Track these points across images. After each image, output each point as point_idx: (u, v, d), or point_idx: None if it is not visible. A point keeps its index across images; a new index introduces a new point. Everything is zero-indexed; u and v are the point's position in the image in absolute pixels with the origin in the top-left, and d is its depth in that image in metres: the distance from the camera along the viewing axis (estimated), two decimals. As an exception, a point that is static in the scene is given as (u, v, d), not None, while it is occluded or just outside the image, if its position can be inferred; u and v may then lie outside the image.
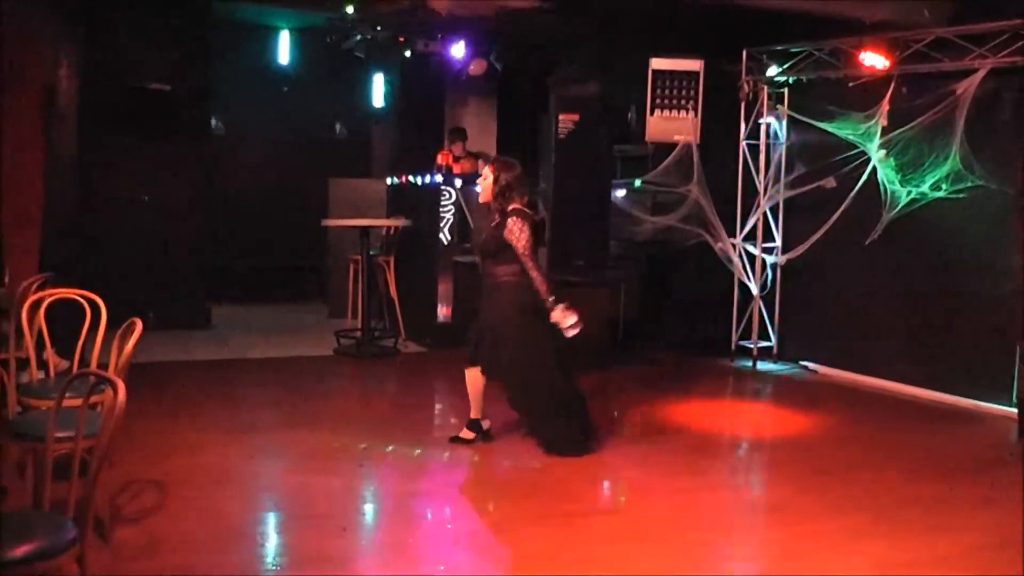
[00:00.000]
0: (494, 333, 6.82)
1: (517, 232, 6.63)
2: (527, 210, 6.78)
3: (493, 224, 6.83)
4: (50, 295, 5.50)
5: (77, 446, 3.61)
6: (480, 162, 11.53)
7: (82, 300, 5.40)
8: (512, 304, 6.76)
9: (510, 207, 6.72)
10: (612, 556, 5.18)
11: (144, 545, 5.04)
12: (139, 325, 4.73)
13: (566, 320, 6.63)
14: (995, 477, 6.77)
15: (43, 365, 5.74)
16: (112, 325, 5.10)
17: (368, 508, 6.08)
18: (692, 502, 6.10)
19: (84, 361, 5.56)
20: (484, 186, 6.87)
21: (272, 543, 5.33)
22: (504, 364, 6.80)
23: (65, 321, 5.71)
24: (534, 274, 6.66)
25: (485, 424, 7.12)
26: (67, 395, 3.81)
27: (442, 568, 5.09)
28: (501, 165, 6.83)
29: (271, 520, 5.72)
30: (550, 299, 6.64)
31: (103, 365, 4.87)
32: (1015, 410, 7.93)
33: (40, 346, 5.63)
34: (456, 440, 7.06)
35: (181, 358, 9.90)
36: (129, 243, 11.01)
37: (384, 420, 8.16)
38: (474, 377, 6.97)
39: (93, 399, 3.97)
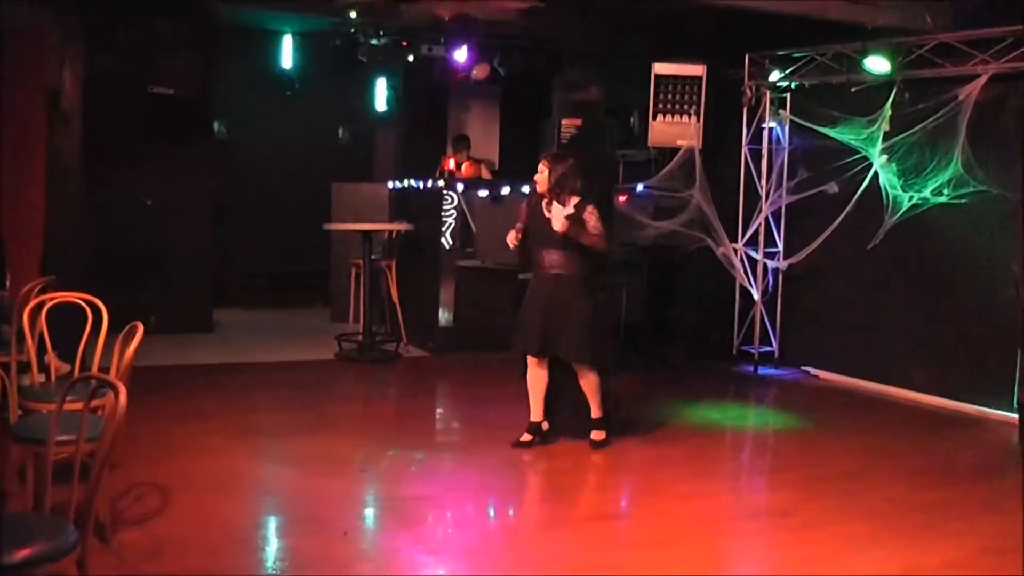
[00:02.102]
0: (562, 318, 6.94)
1: (597, 216, 6.97)
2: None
3: (567, 215, 6.89)
4: (51, 298, 5.50)
5: (78, 450, 3.61)
6: (482, 168, 11.56)
7: (83, 303, 5.41)
8: (578, 295, 6.98)
9: (573, 199, 6.96)
10: (618, 561, 5.18)
11: (146, 549, 5.04)
12: (140, 329, 4.72)
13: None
14: (997, 482, 6.78)
15: (44, 368, 5.74)
16: (114, 329, 5.10)
17: (370, 512, 6.08)
18: (696, 507, 6.10)
19: (85, 365, 5.56)
20: (540, 180, 7.07)
21: (274, 547, 5.32)
22: (575, 336, 6.95)
23: (66, 325, 5.71)
24: (600, 239, 6.96)
25: (544, 425, 7.23)
26: (68, 399, 3.81)
27: (443, 573, 5.09)
28: (554, 159, 7.12)
29: (273, 524, 5.72)
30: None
31: (104, 369, 4.86)
32: (1016, 415, 7.94)
33: (41, 349, 5.64)
34: (519, 445, 7.08)
35: (183, 362, 9.90)
36: (132, 247, 10.99)
37: (386, 425, 8.17)
38: (537, 376, 7.11)
39: (94, 403, 3.97)
